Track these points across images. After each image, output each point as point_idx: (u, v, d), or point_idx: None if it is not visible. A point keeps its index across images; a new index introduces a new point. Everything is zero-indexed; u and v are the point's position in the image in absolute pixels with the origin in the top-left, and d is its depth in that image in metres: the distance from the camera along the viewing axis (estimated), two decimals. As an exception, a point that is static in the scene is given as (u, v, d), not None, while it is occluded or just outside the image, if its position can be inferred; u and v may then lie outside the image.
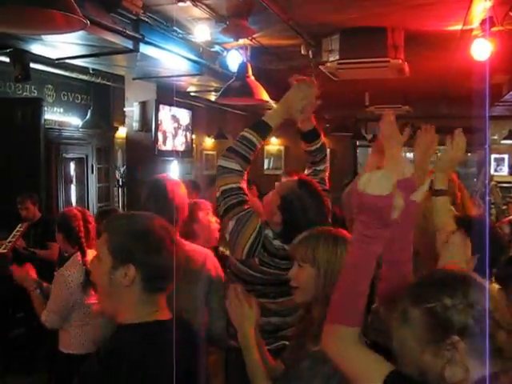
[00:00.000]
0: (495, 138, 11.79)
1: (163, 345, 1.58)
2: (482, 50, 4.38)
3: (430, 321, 1.26)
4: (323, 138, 3.01)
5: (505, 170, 12.04)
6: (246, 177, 2.60)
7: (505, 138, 10.98)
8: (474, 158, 13.04)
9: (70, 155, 6.92)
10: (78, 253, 3.39)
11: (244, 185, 2.57)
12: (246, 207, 2.54)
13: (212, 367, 2.95)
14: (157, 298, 1.69)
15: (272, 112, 2.73)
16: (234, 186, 2.52)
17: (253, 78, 4.55)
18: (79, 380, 1.62)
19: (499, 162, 12.07)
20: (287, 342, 2.32)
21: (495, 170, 11.99)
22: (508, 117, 10.70)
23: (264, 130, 2.61)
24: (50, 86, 6.72)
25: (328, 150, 3.15)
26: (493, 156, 12.00)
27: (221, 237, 3.37)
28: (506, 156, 12.04)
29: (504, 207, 7.92)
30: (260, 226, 2.55)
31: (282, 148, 12.52)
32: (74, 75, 6.34)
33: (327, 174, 3.05)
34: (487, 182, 9.05)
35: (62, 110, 6.99)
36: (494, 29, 4.28)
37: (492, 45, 4.34)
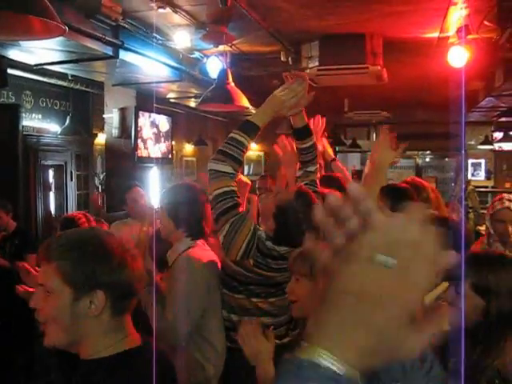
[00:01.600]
0: (472, 143, 11.96)
1: (138, 378, 1.43)
2: (458, 57, 4.46)
3: None
4: (314, 139, 3.02)
5: (481, 175, 12.21)
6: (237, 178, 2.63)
7: (481, 144, 11.16)
8: (452, 163, 13.21)
9: (49, 162, 6.84)
10: None
11: (236, 187, 2.59)
12: (239, 210, 2.56)
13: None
14: (125, 320, 1.53)
15: (259, 111, 2.72)
16: (226, 189, 2.53)
17: (233, 84, 4.56)
18: None
19: (476, 166, 12.23)
20: (278, 341, 2.34)
21: (472, 175, 12.15)
22: (484, 123, 10.86)
23: (252, 130, 2.61)
24: (28, 92, 6.65)
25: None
26: (470, 161, 12.16)
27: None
28: (482, 161, 12.21)
29: (482, 211, 8.03)
30: (254, 228, 2.59)
31: (261, 154, 12.55)
32: (52, 81, 6.29)
33: (319, 175, 3.09)
34: (463, 186, 9.17)
35: (40, 116, 6.91)
36: (470, 37, 4.35)
37: (468, 52, 4.41)
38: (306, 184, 2.94)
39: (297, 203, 2.56)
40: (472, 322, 1.75)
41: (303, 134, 2.96)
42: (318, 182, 3.05)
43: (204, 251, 2.80)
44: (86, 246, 1.46)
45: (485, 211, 7.76)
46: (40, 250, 1.50)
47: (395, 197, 2.98)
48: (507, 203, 3.37)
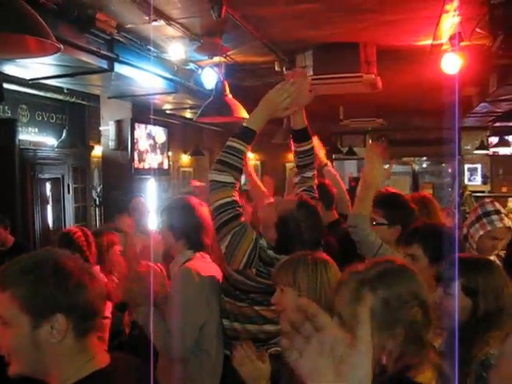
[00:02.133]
0: (468, 148, 12.00)
1: None
2: (451, 63, 4.48)
3: None
4: (312, 143, 3.01)
5: (478, 180, 12.23)
6: (238, 187, 2.60)
7: (477, 149, 11.18)
8: (448, 168, 13.24)
9: (46, 175, 6.84)
10: None
11: (237, 196, 2.58)
12: (241, 220, 2.55)
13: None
14: (90, 341, 1.45)
15: (253, 115, 2.68)
16: (228, 199, 2.52)
17: (230, 96, 4.58)
18: None
19: (472, 171, 12.25)
20: (280, 348, 2.34)
21: (469, 180, 12.17)
22: (480, 128, 10.90)
23: (248, 136, 2.59)
24: (24, 106, 6.65)
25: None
26: (466, 166, 12.19)
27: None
28: (478, 166, 12.23)
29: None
30: (256, 238, 2.57)
31: (258, 163, 12.56)
32: (48, 95, 6.31)
33: (316, 182, 3.07)
34: (459, 191, 9.19)
35: (36, 130, 6.92)
36: (463, 44, 4.38)
37: (461, 59, 4.44)
38: (303, 190, 2.95)
39: (298, 213, 2.55)
40: (459, 320, 1.87)
41: (302, 136, 2.96)
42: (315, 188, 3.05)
43: (204, 263, 2.80)
44: (41, 269, 1.38)
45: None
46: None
47: (388, 205, 3.02)
48: (507, 222, 3.12)
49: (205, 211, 2.77)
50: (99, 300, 1.47)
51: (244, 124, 2.64)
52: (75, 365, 1.40)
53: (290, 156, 11.20)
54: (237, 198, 2.57)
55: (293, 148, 3.04)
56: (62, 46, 2.31)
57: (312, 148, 3.01)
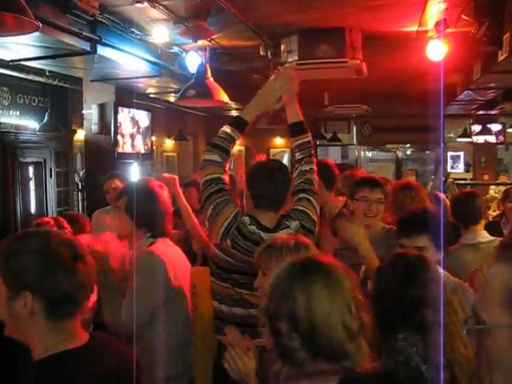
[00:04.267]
0: (451, 136, 12.07)
1: (71, 378, 1.42)
2: (436, 50, 4.48)
3: None
4: (309, 137, 3.05)
5: (461, 167, 12.32)
6: (227, 168, 2.85)
7: (460, 136, 11.25)
8: (432, 155, 13.32)
9: (28, 159, 6.76)
10: None
11: (226, 176, 2.81)
12: (224, 194, 2.76)
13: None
14: (66, 324, 1.48)
15: (246, 108, 2.99)
16: (215, 175, 2.76)
17: (212, 79, 4.54)
18: None
19: (455, 159, 12.34)
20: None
21: (452, 168, 12.26)
22: (463, 115, 10.96)
23: (240, 125, 2.90)
24: (4, 88, 6.54)
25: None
26: (449, 154, 12.27)
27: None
28: (461, 153, 12.32)
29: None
30: (236, 212, 2.74)
31: (242, 148, 12.53)
32: (30, 77, 6.20)
33: (315, 176, 3.01)
34: (442, 179, 9.25)
35: (18, 113, 6.81)
36: (448, 30, 4.38)
37: (446, 46, 4.44)
38: (301, 183, 2.94)
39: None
40: None
41: (298, 129, 3.05)
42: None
43: (166, 246, 2.82)
44: (25, 246, 1.44)
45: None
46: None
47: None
48: None
49: (165, 194, 2.86)
50: (79, 288, 1.46)
51: (238, 114, 2.97)
52: (48, 342, 1.45)
53: (275, 141, 11.25)
54: (225, 177, 2.80)
55: (291, 142, 3.12)
56: (40, 25, 2.27)
57: (309, 141, 3.04)
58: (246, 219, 2.72)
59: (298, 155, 3.03)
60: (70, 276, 1.43)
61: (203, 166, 2.81)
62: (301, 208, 2.87)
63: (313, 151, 3.06)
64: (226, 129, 2.86)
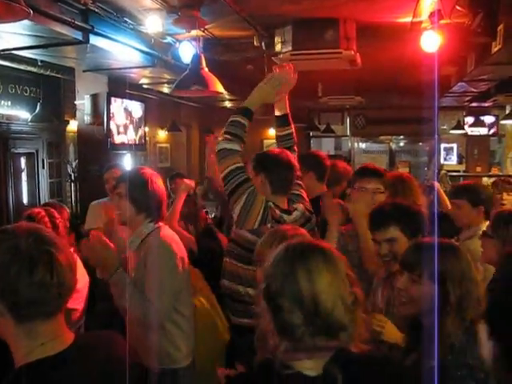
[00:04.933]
0: (445, 127, 12.09)
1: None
2: (431, 42, 4.46)
3: None
4: (292, 129, 3.38)
5: (454, 159, 12.36)
6: None
7: (453, 128, 11.26)
8: (425, 147, 13.34)
9: (20, 150, 6.73)
10: None
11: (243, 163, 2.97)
12: (251, 183, 2.93)
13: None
14: (39, 327, 1.38)
15: (249, 99, 3.09)
16: (238, 165, 2.90)
17: (207, 69, 4.51)
18: None
19: (448, 151, 12.37)
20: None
21: (445, 159, 12.29)
22: (457, 107, 10.97)
23: (248, 113, 3.01)
24: (-4, 78, 6.50)
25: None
26: (442, 145, 12.30)
27: None
28: (454, 145, 12.35)
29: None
30: (264, 198, 2.93)
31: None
32: (21, 67, 6.15)
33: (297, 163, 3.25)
34: (436, 171, 9.28)
35: (9, 103, 6.76)
36: (443, 21, 4.36)
37: (440, 37, 4.42)
38: None
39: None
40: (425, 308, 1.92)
41: (283, 121, 3.35)
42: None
43: (171, 232, 2.89)
44: None
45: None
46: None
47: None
48: None
49: (160, 182, 2.91)
50: (43, 289, 1.35)
51: (243, 105, 3.06)
52: (24, 347, 1.38)
53: (268, 132, 11.21)
54: (243, 164, 2.95)
55: (275, 133, 3.44)
56: (31, 11, 2.25)
57: (292, 133, 3.37)
58: (271, 204, 2.93)
59: (283, 144, 3.34)
60: (30, 276, 1.33)
61: (223, 155, 2.90)
62: (297, 192, 3.19)
63: (295, 141, 3.40)
64: (237, 118, 2.97)
